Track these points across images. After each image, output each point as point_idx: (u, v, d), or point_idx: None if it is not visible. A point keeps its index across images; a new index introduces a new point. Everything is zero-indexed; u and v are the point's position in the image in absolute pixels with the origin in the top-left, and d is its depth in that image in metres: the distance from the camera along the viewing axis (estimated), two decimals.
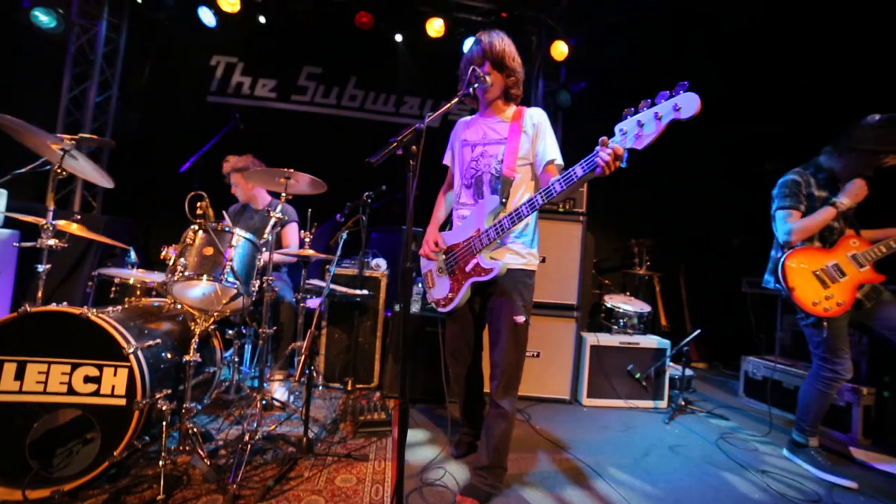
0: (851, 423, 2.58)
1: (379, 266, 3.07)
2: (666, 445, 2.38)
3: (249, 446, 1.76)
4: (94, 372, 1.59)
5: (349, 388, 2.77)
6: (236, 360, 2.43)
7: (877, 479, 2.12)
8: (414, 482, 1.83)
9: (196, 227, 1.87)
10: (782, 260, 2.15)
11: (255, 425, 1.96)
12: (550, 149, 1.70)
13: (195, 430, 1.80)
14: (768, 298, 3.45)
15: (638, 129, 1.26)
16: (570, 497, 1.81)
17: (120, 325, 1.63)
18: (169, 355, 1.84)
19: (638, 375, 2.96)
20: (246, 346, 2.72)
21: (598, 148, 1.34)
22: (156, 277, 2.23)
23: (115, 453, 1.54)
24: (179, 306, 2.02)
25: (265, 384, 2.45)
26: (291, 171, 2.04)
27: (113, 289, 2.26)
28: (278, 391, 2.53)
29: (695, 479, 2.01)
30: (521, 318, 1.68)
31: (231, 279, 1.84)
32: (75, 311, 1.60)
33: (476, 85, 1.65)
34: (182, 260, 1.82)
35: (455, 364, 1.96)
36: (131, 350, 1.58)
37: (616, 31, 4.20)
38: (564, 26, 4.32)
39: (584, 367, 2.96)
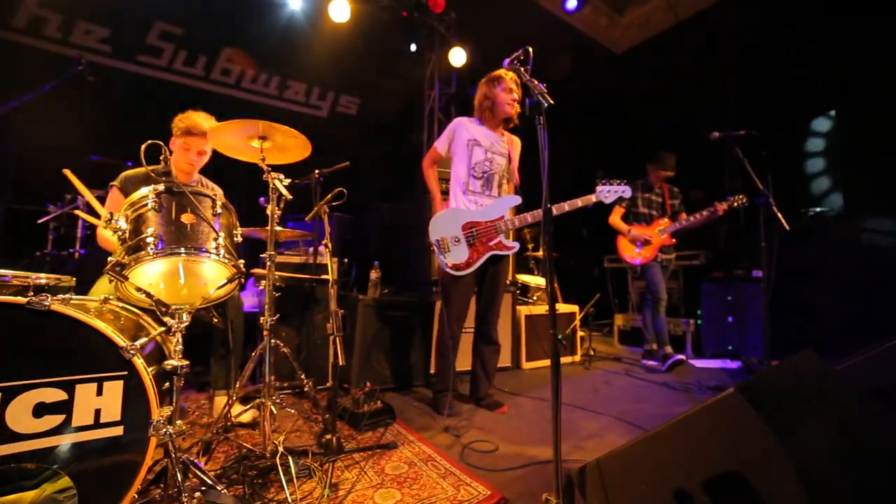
0: (685, 345, 3.76)
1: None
2: (602, 381, 2.96)
3: (288, 457, 1.42)
4: (57, 395, 1.04)
5: (306, 389, 2.41)
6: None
7: (697, 370, 3.29)
8: (458, 447, 1.85)
9: (160, 187, 1.40)
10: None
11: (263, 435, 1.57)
12: (517, 172, 2.42)
13: (191, 459, 1.35)
14: (622, 272, 4.56)
15: (607, 193, 2.18)
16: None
17: (96, 317, 1.11)
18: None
19: (560, 336, 3.50)
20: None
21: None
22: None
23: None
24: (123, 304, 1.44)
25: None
26: (266, 124, 1.66)
27: None
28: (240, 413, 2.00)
29: (630, 393, 2.73)
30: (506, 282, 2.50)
31: (227, 255, 1.46)
32: (9, 300, 1.02)
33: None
34: (150, 230, 1.34)
35: (459, 329, 2.32)
36: (132, 352, 1.10)
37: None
38: (455, 35, 4.69)
39: (521, 335, 3.33)
